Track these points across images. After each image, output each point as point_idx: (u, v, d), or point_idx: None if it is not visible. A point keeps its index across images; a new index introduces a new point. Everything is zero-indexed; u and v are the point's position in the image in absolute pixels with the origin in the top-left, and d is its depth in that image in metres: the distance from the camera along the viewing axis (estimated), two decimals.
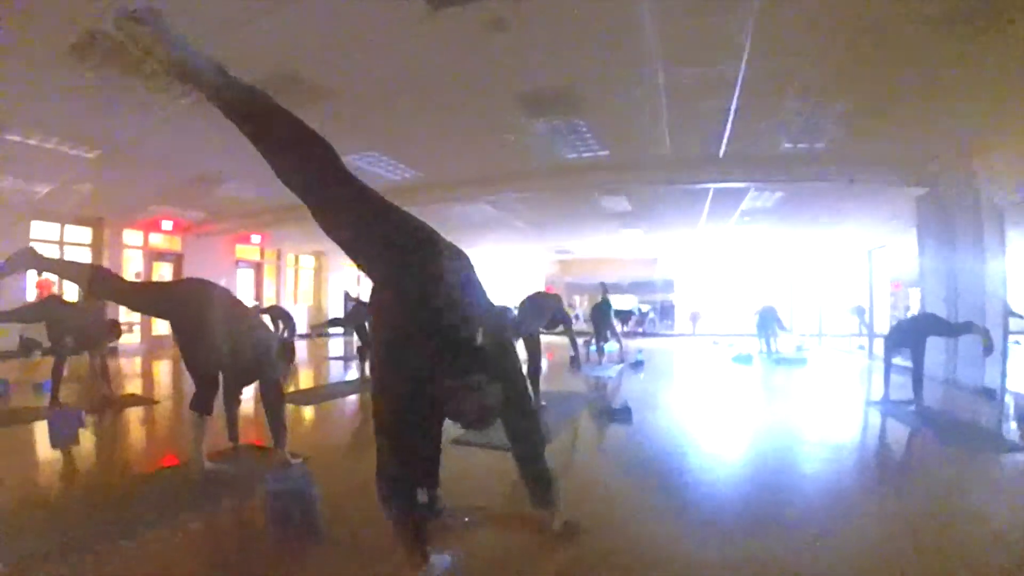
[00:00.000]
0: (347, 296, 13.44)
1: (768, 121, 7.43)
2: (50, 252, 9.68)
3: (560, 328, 8.17)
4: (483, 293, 2.58)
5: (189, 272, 16.05)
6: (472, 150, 9.23)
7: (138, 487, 3.80)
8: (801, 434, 5.62)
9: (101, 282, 4.25)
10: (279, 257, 18.64)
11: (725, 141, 8.20)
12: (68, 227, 14.33)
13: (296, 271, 19.57)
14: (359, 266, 2.57)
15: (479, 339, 2.28)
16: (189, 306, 4.06)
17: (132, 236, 15.63)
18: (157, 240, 16.21)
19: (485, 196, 11.56)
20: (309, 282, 19.88)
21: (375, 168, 9.74)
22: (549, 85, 6.70)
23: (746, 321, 15.58)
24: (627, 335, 17.26)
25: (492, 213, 13.23)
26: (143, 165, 10.01)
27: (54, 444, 4.70)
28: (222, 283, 4.18)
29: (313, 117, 2.31)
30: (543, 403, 6.55)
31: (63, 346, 6.50)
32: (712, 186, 10.23)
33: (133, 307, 4.77)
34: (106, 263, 14.34)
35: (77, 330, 6.57)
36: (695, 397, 8.13)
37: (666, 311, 23.90)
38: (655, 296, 24.10)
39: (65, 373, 6.62)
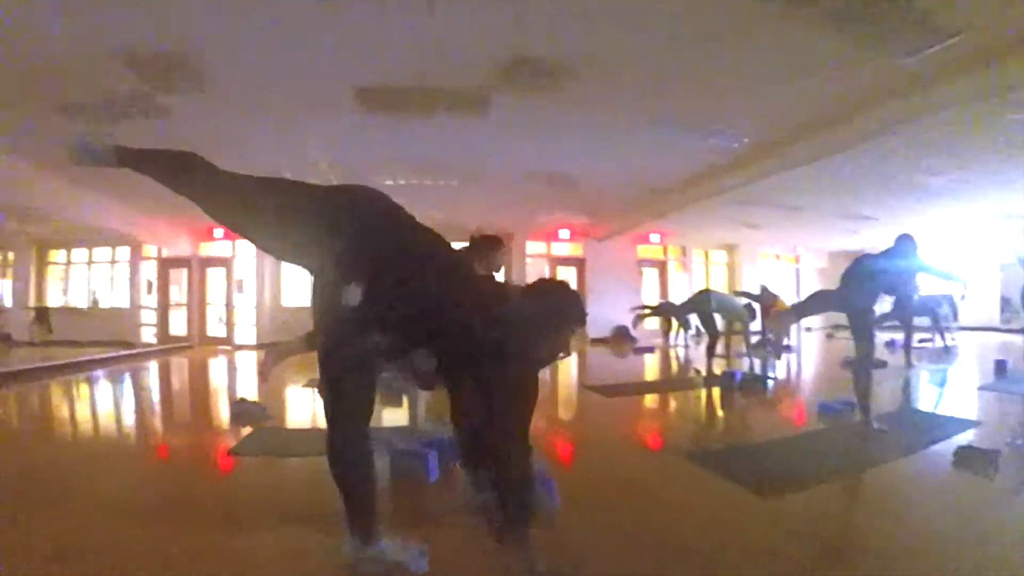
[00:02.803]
0: (764, 289, 11.89)
1: None
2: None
3: None
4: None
5: (592, 275, 16.26)
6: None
7: None
8: None
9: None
10: (684, 253, 17.51)
11: None
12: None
13: (706, 267, 18.17)
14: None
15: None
16: None
17: (534, 246, 16.49)
18: (562, 249, 16.80)
19: None
20: (723, 277, 18.27)
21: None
22: None
23: None
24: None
25: None
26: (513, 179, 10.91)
27: None
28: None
29: None
30: (877, 425, 4.79)
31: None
32: None
33: None
34: (513, 273, 15.50)
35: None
36: None
37: None
38: None
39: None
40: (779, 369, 9.44)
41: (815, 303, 5.72)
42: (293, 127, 8.20)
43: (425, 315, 2.10)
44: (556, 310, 2.15)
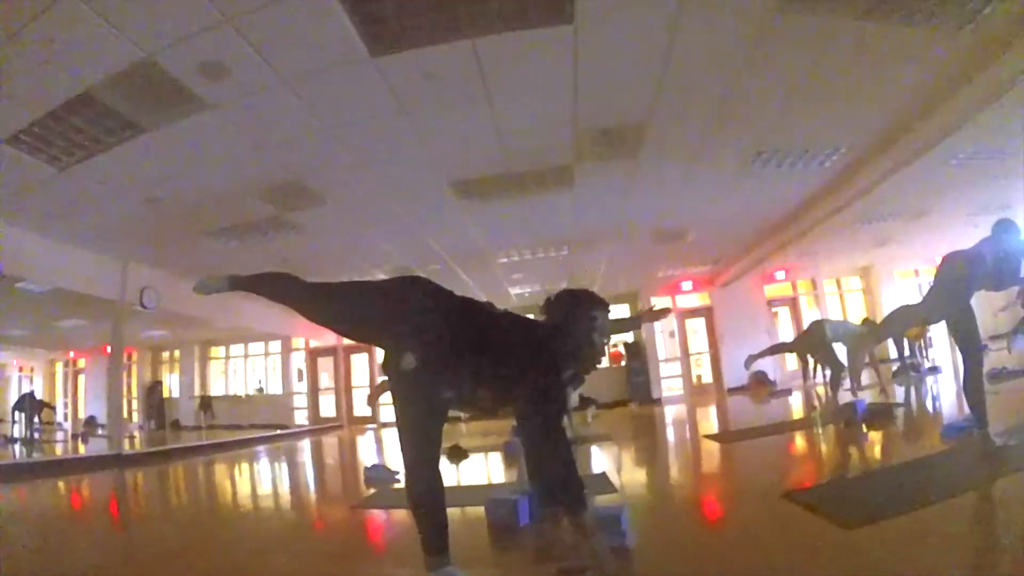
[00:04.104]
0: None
1: None
2: None
3: None
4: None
5: (723, 323, 15.99)
6: None
7: None
8: None
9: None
10: (815, 287, 16.69)
11: None
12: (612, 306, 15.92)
13: (840, 296, 17.21)
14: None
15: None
16: None
17: (660, 301, 16.41)
18: (688, 301, 16.68)
19: None
20: (859, 304, 17.21)
21: None
22: None
23: None
24: None
25: None
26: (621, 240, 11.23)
27: None
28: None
29: None
30: (1000, 441, 4.30)
31: None
32: None
33: None
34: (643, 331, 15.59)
35: None
36: None
37: None
38: None
39: None
40: (915, 394, 8.83)
41: (897, 321, 5.32)
42: (405, 225, 9.08)
43: (473, 359, 2.47)
44: (574, 304, 2.56)
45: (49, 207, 7.33)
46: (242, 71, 4.80)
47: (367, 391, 17.95)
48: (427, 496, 2.66)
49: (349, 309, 2.77)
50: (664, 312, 4.40)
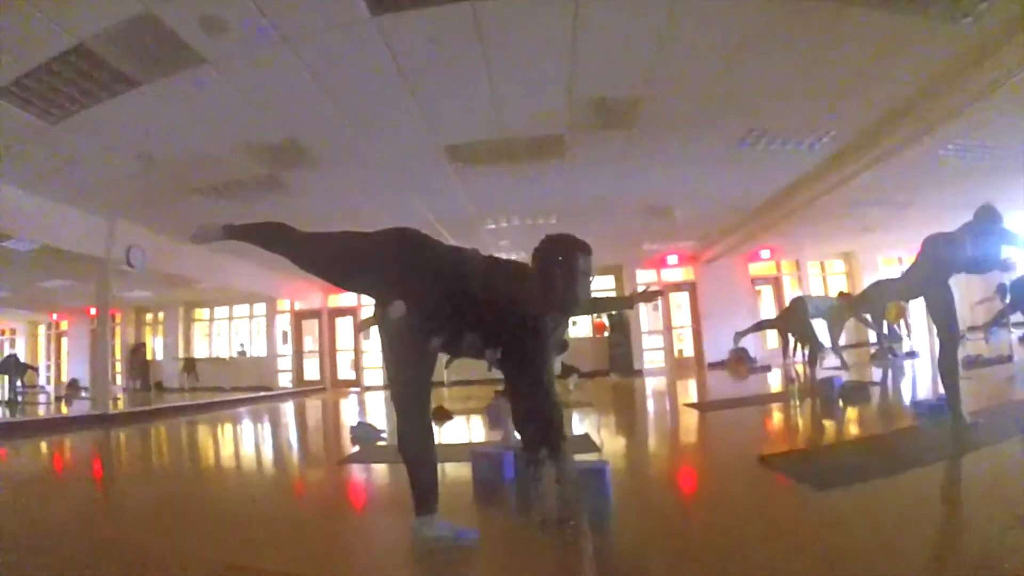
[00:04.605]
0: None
1: None
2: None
3: None
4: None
5: (706, 299, 16.17)
6: None
7: None
8: None
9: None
10: (798, 268, 16.90)
11: None
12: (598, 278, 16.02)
13: (824, 278, 17.40)
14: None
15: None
16: None
17: (645, 275, 16.58)
18: (673, 275, 16.82)
19: None
20: (843, 287, 17.30)
21: None
22: None
23: None
24: None
25: None
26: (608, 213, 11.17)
27: None
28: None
29: None
30: (970, 420, 4.41)
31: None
32: None
33: None
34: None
35: None
36: None
37: None
38: None
39: None
40: (892, 375, 9.01)
41: (874, 294, 5.39)
42: (396, 188, 9.09)
43: (460, 304, 2.52)
44: (554, 247, 2.53)
45: (38, 163, 7.27)
46: (241, 26, 4.75)
47: (351, 355, 18.15)
48: (418, 443, 2.76)
49: (341, 258, 2.85)
50: (656, 294, 4.45)
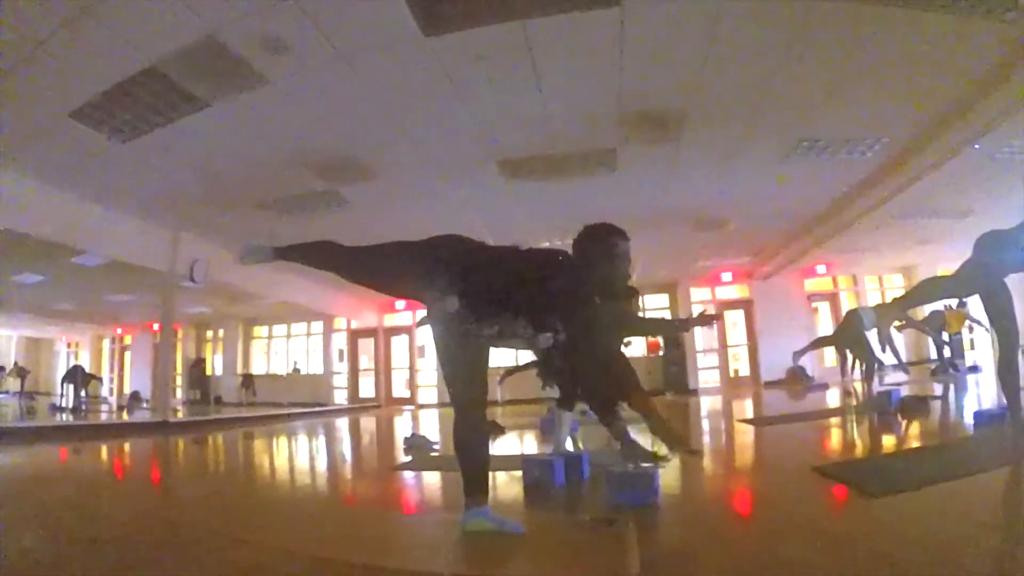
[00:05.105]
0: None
1: None
2: None
3: None
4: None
5: (762, 317, 15.95)
6: None
7: None
8: None
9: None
10: (855, 283, 16.51)
11: None
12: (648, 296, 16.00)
13: (882, 293, 16.91)
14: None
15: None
16: None
17: (699, 292, 16.47)
18: (727, 293, 16.68)
19: None
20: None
21: None
22: None
23: None
24: None
25: None
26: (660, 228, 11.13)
27: None
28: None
29: None
30: None
31: None
32: None
33: None
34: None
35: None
36: None
37: None
38: None
39: None
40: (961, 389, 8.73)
41: (921, 293, 5.23)
42: (451, 203, 9.27)
43: (509, 293, 2.65)
44: (594, 235, 2.82)
45: (107, 179, 7.71)
46: (302, 47, 5.02)
47: (406, 373, 18.43)
48: (473, 437, 2.87)
49: (393, 265, 2.96)
50: (712, 318, 4.50)
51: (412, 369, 18.50)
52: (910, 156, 8.00)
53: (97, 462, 6.75)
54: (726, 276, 16.43)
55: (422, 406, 16.97)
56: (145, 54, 5.02)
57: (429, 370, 17.73)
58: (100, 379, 19.82)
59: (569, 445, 5.04)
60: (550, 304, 2.62)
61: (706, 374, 16.68)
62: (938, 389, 8.75)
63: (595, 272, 2.67)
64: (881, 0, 4.76)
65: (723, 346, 16.92)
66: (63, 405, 15.92)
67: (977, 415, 5.09)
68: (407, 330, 18.41)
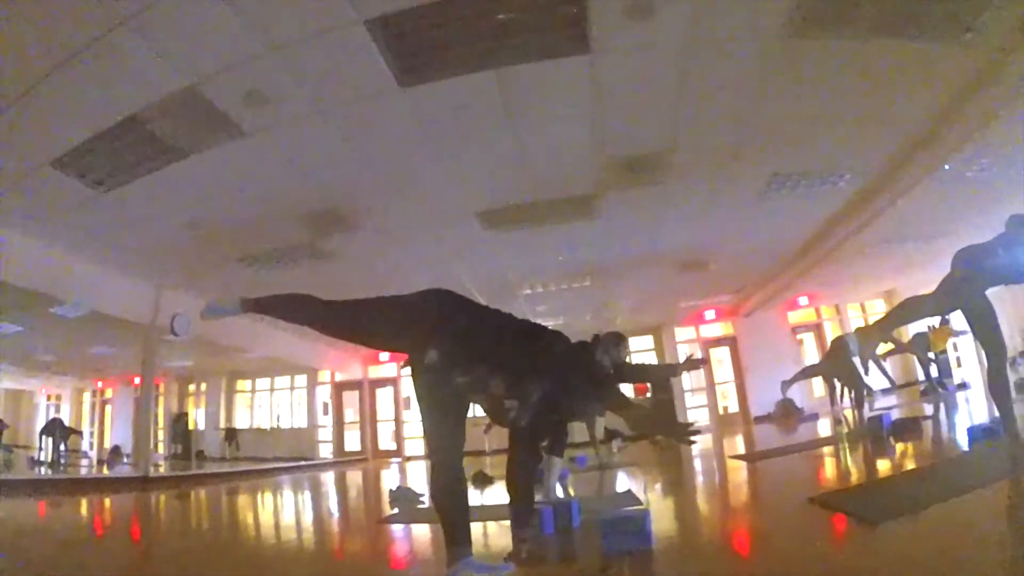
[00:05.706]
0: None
1: None
2: None
3: None
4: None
5: (748, 352, 15.91)
6: None
7: None
8: None
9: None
10: (838, 311, 16.60)
11: None
12: (632, 339, 15.95)
13: (865, 320, 16.89)
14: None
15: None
16: None
17: (684, 332, 16.46)
18: (712, 331, 16.74)
19: None
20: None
21: None
22: None
23: None
24: None
25: None
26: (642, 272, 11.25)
27: None
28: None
29: None
30: None
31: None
32: None
33: None
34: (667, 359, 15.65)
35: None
36: None
37: None
38: None
39: None
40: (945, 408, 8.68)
41: (902, 312, 5.23)
42: (432, 254, 9.28)
43: (488, 349, 2.69)
44: (598, 338, 3.11)
45: (88, 230, 7.57)
46: (281, 100, 5.05)
47: (392, 425, 18.14)
48: (452, 487, 2.80)
49: (374, 320, 2.96)
50: (699, 363, 4.56)
51: (398, 421, 18.22)
52: (884, 182, 8.05)
53: (77, 517, 6.55)
54: (709, 314, 16.47)
55: (409, 458, 16.68)
56: (127, 105, 4.99)
57: (415, 422, 17.38)
58: (80, 432, 19.36)
59: (560, 492, 4.94)
60: (525, 369, 2.69)
61: (695, 413, 16.51)
62: (929, 409, 8.70)
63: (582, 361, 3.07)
64: (837, 34, 4.84)
65: (711, 384, 16.83)
66: (42, 459, 15.49)
67: (970, 431, 5.03)
68: (392, 381, 18.16)
